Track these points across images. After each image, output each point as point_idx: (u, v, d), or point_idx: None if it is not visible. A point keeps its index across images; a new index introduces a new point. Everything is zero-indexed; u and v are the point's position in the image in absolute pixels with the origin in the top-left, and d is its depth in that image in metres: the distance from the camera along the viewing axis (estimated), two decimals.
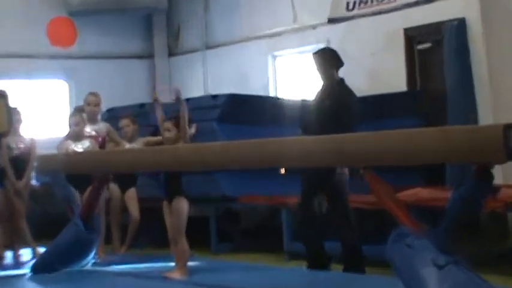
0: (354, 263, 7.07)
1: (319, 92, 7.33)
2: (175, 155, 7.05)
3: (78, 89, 12.19)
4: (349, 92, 7.28)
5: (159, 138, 8.57)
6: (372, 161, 5.14)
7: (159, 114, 7.89)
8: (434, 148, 4.79)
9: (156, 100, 8.08)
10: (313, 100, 7.45)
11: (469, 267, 4.75)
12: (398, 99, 9.96)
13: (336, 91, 7.17)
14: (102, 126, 8.64)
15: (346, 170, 6.96)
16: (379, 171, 5.31)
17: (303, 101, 9.39)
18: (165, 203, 7.58)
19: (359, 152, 5.16)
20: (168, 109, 8.88)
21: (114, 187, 8.83)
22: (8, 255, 8.72)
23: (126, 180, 8.75)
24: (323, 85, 7.28)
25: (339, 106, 7.04)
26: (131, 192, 8.81)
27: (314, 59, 7.36)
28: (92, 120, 8.63)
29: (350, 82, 8.79)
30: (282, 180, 8.30)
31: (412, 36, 10.11)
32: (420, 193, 7.72)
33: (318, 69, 7.31)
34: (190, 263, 7.60)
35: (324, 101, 7.18)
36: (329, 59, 7.30)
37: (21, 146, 8.58)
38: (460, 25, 9.27)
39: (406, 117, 9.23)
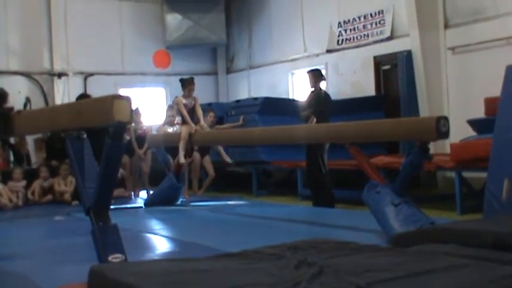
0: (328, 203, 7.72)
1: (308, 95, 7.99)
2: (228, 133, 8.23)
3: (171, 93, 13.49)
4: (326, 96, 8.03)
5: (226, 125, 10.14)
6: (353, 139, 5.57)
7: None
8: (392, 131, 5.24)
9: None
10: (305, 100, 8.11)
11: (414, 205, 5.15)
12: (370, 100, 10.79)
13: (319, 95, 7.89)
14: None
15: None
16: (358, 146, 5.73)
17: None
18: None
19: (345, 134, 5.62)
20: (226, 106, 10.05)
21: (196, 154, 9.80)
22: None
23: (204, 150, 9.83)
24: (311, 91, 8.02)
25: (320, 105, 7.74)
26: (207, 158, 9.93)
27: (307, 75, 8.12)
28: (178, 112, 9.26)
29: (340, 89, 10.80)
30: (297, 150, 8.80)
31: (379, 61, 11.15)
32: (384, 159, 8.13)
33: (309, 81, 8.00)
34: (240, 202, 8.60)
35: (311, 101, 7.87)
36: (316, 76, 7.98)
37: (141, 129, 10.06)
38: (408, 54, 10.28)
39: (374, 111, 9.87)
